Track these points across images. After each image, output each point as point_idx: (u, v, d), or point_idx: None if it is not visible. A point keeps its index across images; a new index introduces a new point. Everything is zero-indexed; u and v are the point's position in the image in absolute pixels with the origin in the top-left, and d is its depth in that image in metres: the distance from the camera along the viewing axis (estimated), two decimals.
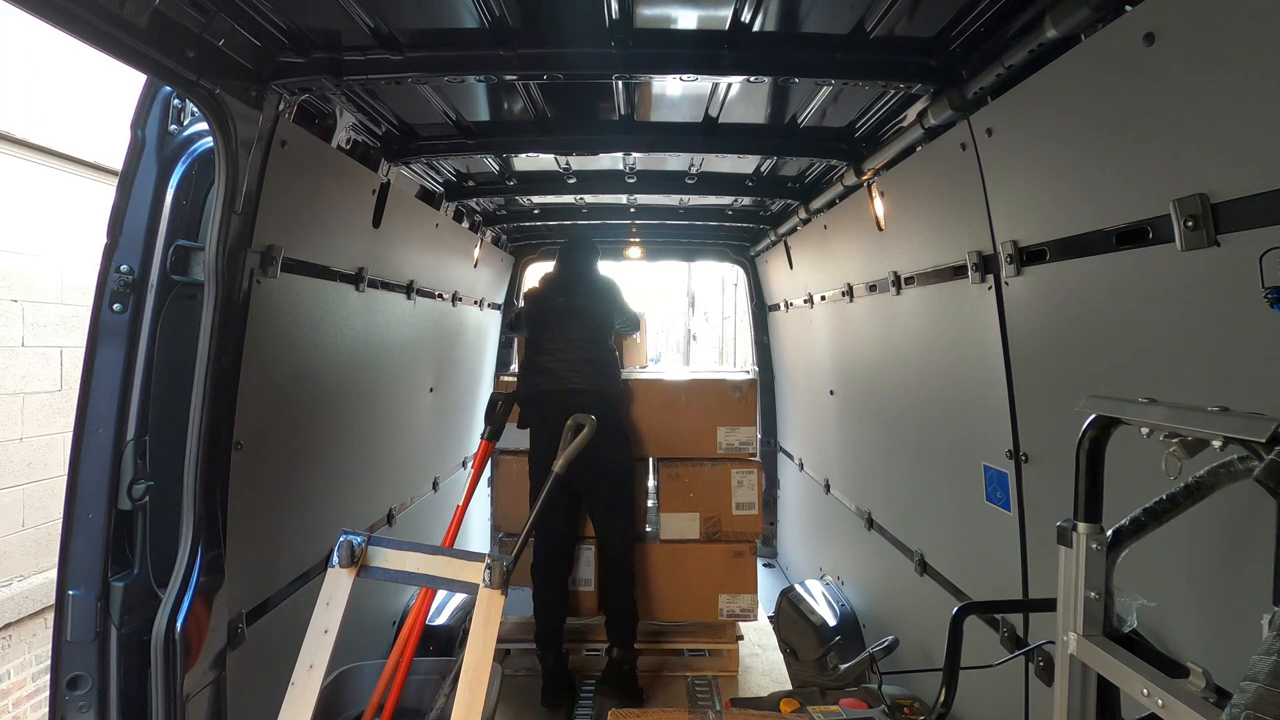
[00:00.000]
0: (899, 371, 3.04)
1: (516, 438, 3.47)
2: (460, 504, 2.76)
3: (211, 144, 1.94)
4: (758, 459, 3.51)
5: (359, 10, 1.89)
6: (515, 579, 2.14)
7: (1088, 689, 1.27)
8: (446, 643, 3.34)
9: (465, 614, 3.44)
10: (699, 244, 5.67)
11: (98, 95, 4.69)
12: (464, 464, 4.80)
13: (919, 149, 2.46)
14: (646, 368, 4.27)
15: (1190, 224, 1.33)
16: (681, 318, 17.44)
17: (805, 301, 4.32)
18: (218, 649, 2.05)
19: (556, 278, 3.61)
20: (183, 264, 2.01)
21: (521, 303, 3.86)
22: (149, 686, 1.90)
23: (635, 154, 3.29)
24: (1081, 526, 1.25)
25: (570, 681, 3.22)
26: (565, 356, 3.25)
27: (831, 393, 4.04)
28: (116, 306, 1.94)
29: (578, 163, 3.49)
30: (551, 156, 3.32)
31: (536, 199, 4.24)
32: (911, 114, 2.40)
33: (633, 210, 4.57)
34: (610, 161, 3.50)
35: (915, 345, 2.85)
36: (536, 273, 5.81)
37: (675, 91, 2.64)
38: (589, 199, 4.25)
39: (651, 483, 3.51)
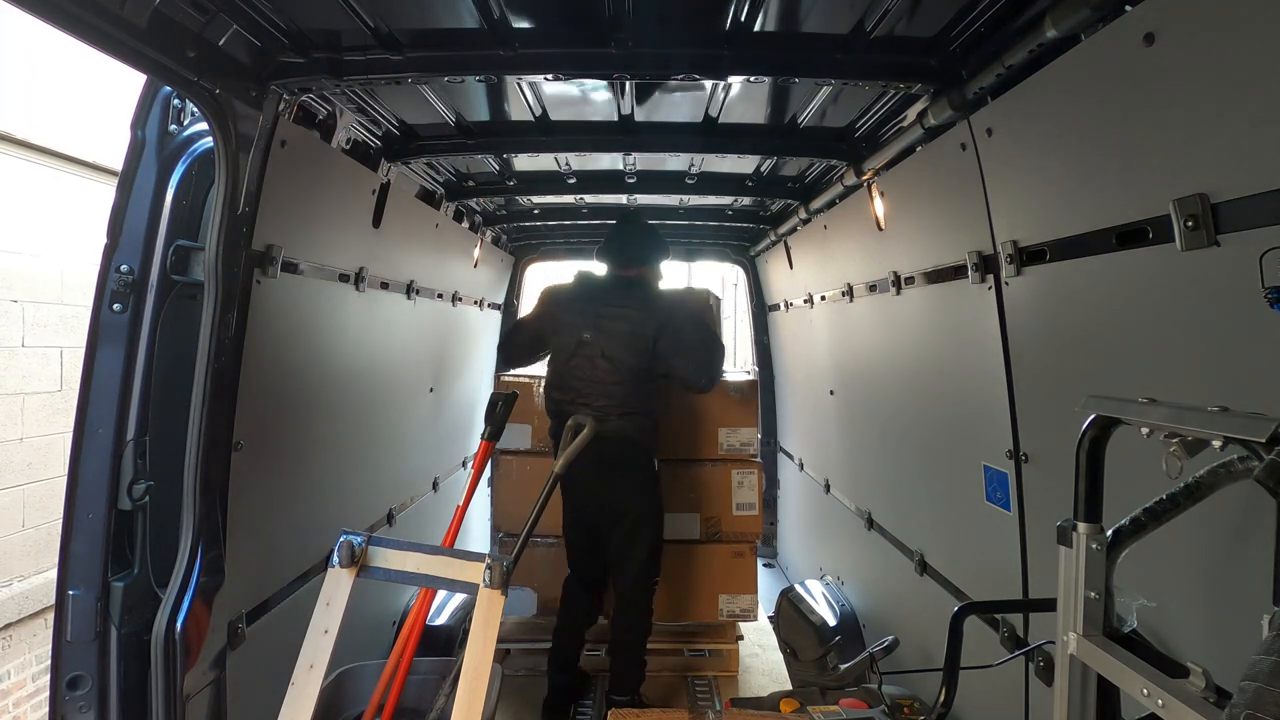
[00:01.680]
0: (899, 371, 3.04)
1: (516, 438, 3.47)
2: (460, 504, 2.76)
3: (211, 144, 1.93)
4: (758, 459, 3.51)
5: (359, 10, 1.89)
6: (515, 579, 2.14)
7: (1088, 689, 1.27)
8: (446, 643, 3.34)
9: (465, 614, 3.44)
10: (699, 244, 5.67)
11: (98, 95, 4.69)
12: (464, 464, 4.80)
13: (919, 149, 2.46)
14: None
15: (1190, 224, 1.33)
16: None
17: (805, 301, 4.32)
18: (218, 649, 2.05)
19: (592, 297, 2.93)
20: (183, 264, 2.01)
21: (535, 304, 3.20)
22: (149, 686, 1.90)
23: (635, 154, 3.29)
24: (1081, 526, 1.25)
25: (577, 693, 3.14)
26: (596, 401, 2.86)
27: (831, 393, 4.04)
28: (116, 306, 1.94)
29: (578, 163, 3.49)
30: (551, 156, 3.32)
31: (536, 199, 4.24)
32: (911, 114, 2.40)
33: (633, 210, 4.57)
34: (610, 162, 3.50)
35: (915, 345, 2.85)
36: (537, 274, 5.81)
37: (675, 91, 2.64)
38: (589, 199, 4.25)
39: None
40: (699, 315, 3.17)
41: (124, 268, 1.94)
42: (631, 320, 2.90)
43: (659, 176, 3.73)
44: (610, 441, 2.80)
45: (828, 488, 4.21)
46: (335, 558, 2.02)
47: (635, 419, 2.91)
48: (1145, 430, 1.13)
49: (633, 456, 2.93)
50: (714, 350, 3.02)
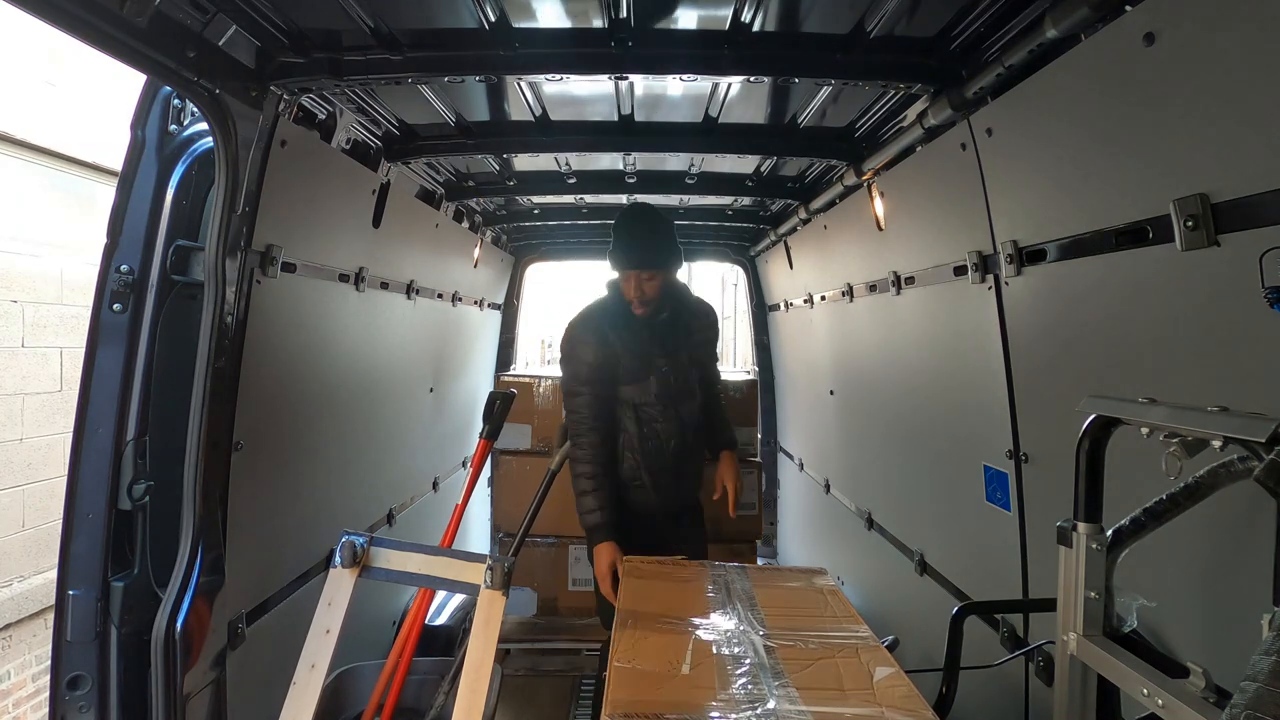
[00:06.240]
0: (899, 371, 3.04)
1: (516, 437, 3.47)
2: (459, 503, 2.76)
3: (211, 144, 1.94)
4: (758, 459, 3.51)
5: (359, 10, 1.89)
6: (515, 579, 2.14)
7: (1088, 689, 1.27)
8: (446, 643, 3.34)
9: (465, 614, 3.44)
10: (699, 244, 5.67)
11: (99, 95, 4.69)
12: (464, 464, 4.80)
13: (919, 149, 2.46)
14: None
15: (1190, 224, 1.33)
16: None
17: (805, 301, 4.32)
18: (218, 649, 2.05)
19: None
20: (183, 264, 2.01)
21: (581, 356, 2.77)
22: (149, 686, 1.90)
23: (635, 154, 3.29)
24: (1081, 526, 1.25)
25: None
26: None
27: (831, 393, 4.04)
28: (116, 306, 1.94)
29: (578, 163, 3.49)
30: (551, 156, 3.31)
31: (536, 199, 4.24)
32: (911, 114, 2.40)
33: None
34: (610, 161, 3.50)
35: (915, 345, 2.85)
36: (537, 273, 5.81)
37: (675, 91, 2.64)
38: (589, 199, 4.25)
39: None
40: None
41: (124, 268, 1.94)
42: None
43: (659, 176, 3.73)
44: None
45: (828, 488, 4.21)
46: (337, 558, 2.03)
47: None
48: (1145, 430, 1.14)
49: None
50: None
